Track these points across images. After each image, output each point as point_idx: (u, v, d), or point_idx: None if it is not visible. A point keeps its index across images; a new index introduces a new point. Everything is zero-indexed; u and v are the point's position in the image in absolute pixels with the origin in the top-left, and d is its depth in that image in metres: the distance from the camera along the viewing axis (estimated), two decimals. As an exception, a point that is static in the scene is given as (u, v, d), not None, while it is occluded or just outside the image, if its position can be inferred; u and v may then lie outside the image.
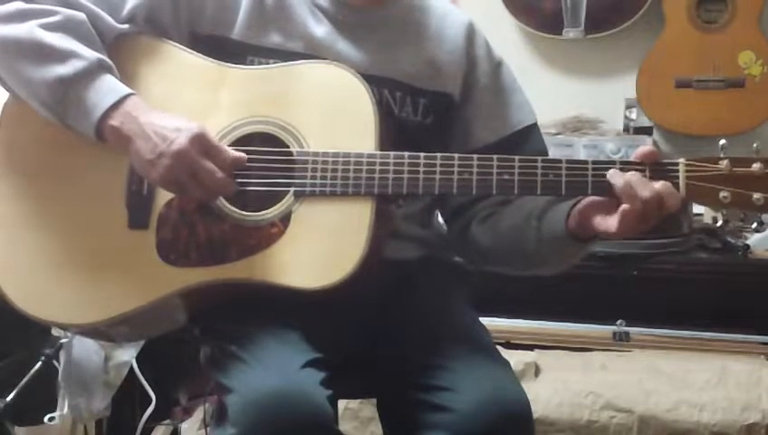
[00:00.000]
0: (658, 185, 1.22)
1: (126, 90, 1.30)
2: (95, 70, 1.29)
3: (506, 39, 2.94)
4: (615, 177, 1.23)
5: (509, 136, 1.48)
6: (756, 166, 1.23)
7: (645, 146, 1.30)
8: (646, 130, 2.87)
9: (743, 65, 2.76)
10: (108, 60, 1.32)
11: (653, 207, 1.21)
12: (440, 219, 1.57)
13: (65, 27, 1.31)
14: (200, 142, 1.25)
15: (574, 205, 1.31)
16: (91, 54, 1.30)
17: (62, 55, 1.29)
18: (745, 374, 2.16)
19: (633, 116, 2.90)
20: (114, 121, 1.27)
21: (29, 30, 1.30)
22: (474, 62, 1.48)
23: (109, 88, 1.29)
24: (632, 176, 1.22)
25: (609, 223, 1.24)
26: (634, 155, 1.26)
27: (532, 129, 1.51)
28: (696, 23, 2.78)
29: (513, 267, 1.47)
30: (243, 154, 1.30)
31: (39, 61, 1.29)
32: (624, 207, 1.21)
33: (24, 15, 1.31)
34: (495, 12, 2.91)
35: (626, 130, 2.90)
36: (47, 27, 1.30)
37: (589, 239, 1.32)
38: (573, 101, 2.93)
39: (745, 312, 2.41)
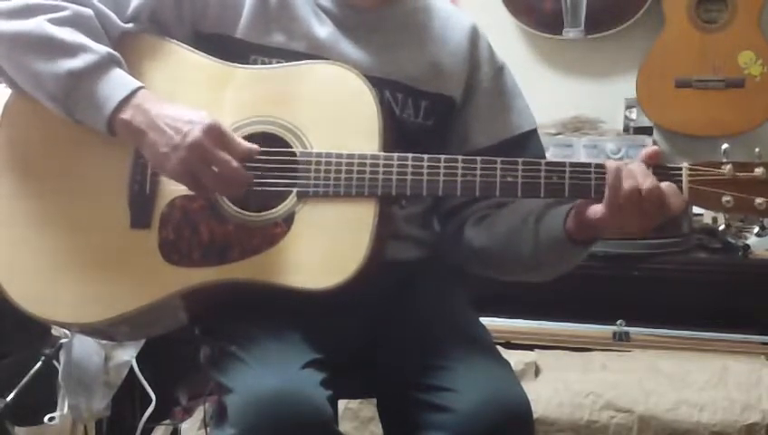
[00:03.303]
0: (664, 184, 1.22)
1: (136, 83, 1.30)
2: (105, 63, 1.29)
3: (506, 39, 2.94)
4: (611, 162, 1.24)
5: (507, 140, 1.48)
6: (759, 170, 1.24)
7: (649, 147, 1.30)
8: (646, 130, 2.87)
9: (743, 65, 2.76)
10: (117, 54, 1.32)
11: (652, 199, 1.21)
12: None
13: (74, 22, 1.31)
14: (214, 133, 1.25)
15: (572, 206, 1.31)
16: (100, 48, 1.30)
17: (73, 49, 1.29)
18: (745, 374, 2.16)
19: (633, 116, 2.90)
20: (125, 115, 1.27)
21: (38, 24, 1.30)
22: (476, 65, 1.48)
23: (119, 81, 1.29)
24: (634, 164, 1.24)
25: (600, 207, 1.25)
26: (638, 157, 1.26)
27: (532, 134, 1.50)
28: (696, 23, 2.77)
29: (506, 270, 1.47)
30: (254, 146, 1.29)
31: (49, 55, 1.29)
32: (609, 182, 1.22)
33: (32, 10, 1.31)
34: (495, 12, 2.90)
35: (626, 130, 2.90)
36: (56, 22, 1.30)
37: (586, 242, 1.32)
38: (573, 101, 2.93)
39: (745, 312, 2.41)
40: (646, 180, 1.22)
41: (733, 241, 2.51)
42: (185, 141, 1.23)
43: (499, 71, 1.51)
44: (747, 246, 2.48)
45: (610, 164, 1.24)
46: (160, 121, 1.25)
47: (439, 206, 1.52)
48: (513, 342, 2.37)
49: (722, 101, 2.77)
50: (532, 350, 2.33)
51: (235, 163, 1.25)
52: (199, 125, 1.24)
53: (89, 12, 1.33)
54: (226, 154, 1.25)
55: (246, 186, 1.29)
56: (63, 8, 1.32)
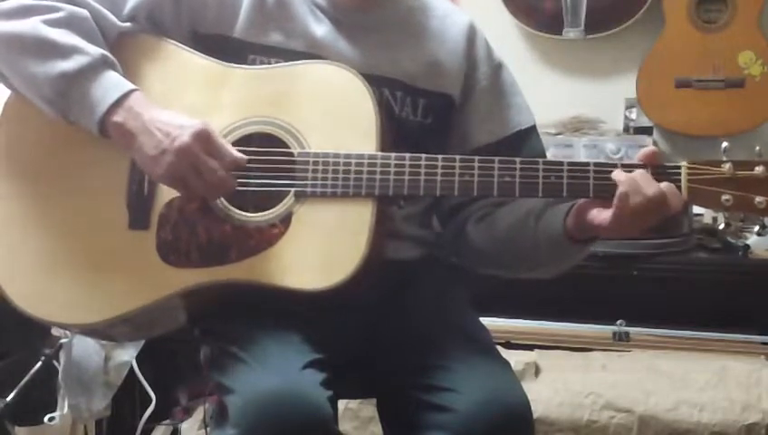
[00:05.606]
0: (662, 185, 1.22)
1: (129, 85, 1.30)
2: (99, 65, 1.29)
3: (506, 39, 2.94)
4: (619, 175, 1.23)
5: (507, 138, 1.47)
6: (759, 169, 1.23)
7: (647, 147, 1.30)
8: (646, 130, 2.87)
9: (743, 65, 2.76)
10: (111, 56, 1.32)
11: (655, 205, 1.21)
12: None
13: (69, 23, 1.31)
14: (203, 139, 1.25)
15: (572, 205, 1.31)
16: (94, 50, 1.30)
17: (66, 51, 1.29)
18: (745, 374, 2.16)
19: (633, 116, 2.90)
20: (118, 117, 1.27)
21: (32, 26, 1.30)
22: (474, 63, 1.48)
23: (112, 84, 1.29)
24: (637, 173, 1.23)
25: (604, 215, 1.24)
26: (637, 157, 1.26)
27: (531, 131, 1.50)
28: (696, 23, 2.77)
29: (508, 269, 1.47)
30: (243, 156, 1.30)
31: (42, 56, 1.29)
32: (619, 198, 1.21)
33: (27, 11, 1.32)
34: (495, 12, 2.90)
35: (626, 130, 2.90)
36: (50, 23, 1.30)
37: (586, 241, 1.32)
38: (573, 101, 2.93)
39: (745, 312, 2.41)
40: (649, 189, 1.21)
41: (733, 241, 2.51)
42: (173, 145, 1.24)
43: (497, 68, 1.50)
44: (747, 246, 2.48)
45: (622, 188, 1.22)
46: (151, 125, 1.26)
47: (439, 205, 1.52)
48: (513, 342, 2.37)
49: (722, 101, 2.77)
50: (532, 350, 2.33)
51: (221, 171, 1.26)
52: (189, 129, 1.24)
53: (84, 12, 1.33)
54: (213, 161, 1.25)
55: (229, 192, 1.29)
56: (59, 9, 1.32)
